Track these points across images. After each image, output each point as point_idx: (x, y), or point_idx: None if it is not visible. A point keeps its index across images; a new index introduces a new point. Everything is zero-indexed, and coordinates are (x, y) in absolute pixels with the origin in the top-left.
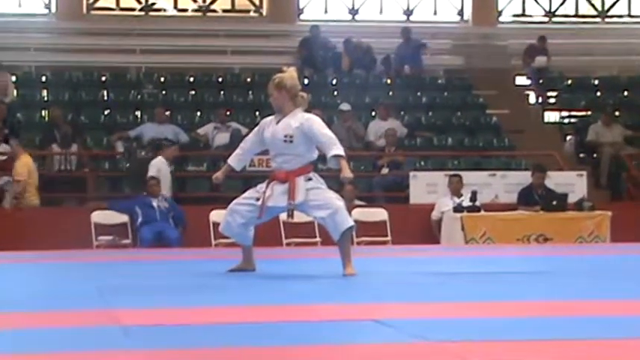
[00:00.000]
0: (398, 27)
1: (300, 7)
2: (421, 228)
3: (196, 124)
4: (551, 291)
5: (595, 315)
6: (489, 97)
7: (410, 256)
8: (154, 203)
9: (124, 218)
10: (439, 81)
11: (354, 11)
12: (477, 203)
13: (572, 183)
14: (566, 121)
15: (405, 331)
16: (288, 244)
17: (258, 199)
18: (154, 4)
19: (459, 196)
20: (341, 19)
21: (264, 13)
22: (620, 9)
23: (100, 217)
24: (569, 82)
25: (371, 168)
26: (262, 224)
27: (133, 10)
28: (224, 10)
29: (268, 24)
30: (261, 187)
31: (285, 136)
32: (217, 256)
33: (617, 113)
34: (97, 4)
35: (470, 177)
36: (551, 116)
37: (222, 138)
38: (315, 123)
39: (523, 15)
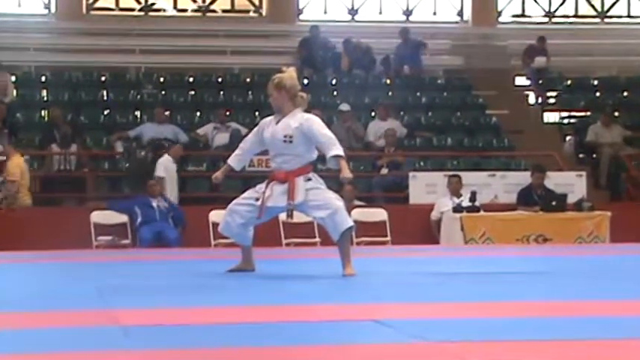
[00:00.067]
0: (397, 27)
1: (300, 7)
2: (421, 228)
3: (196, 125)
4: (551, 291)
5: (594, 315)
6: (489, 98)
7: (409, 256)
8: (154, 203)
9: (123, 218)
10: (439, 81)
11: (353, 11)
12: (477, 203)
13: (571, 183)
14: (565, 121)
15: (404, 331)
16: (287, 245)
17: (257, 200)
18: (153, 4)
19: (459, 196)
20: (340, 19)
21: (264, 13)
22: (620, 9)
23: (99, 217)
24: (569, 82)
25: (370, 168)
26: (262, 224)
27: (132, 10)
28: (224, 11)
29: (268, 24)
30: (261, 187)
31: (285, 137)
32: (217, 256)
33: (616, 114)
34: (97, 5)
35: (469, 177)
36: (550, 117)
37: (221, 138)
38: (315, 123)
39: (522, 15)
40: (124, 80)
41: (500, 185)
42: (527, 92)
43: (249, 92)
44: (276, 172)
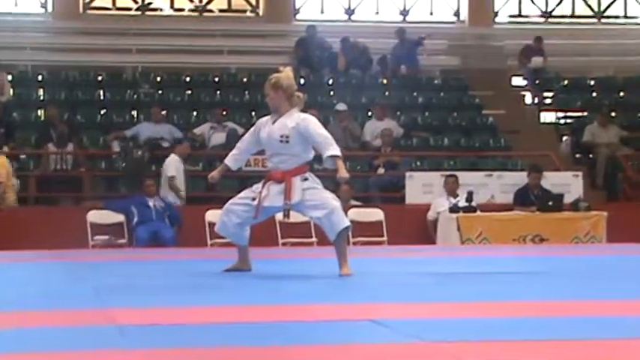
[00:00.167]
0: (394, 27)
1: (297, 7)
2: (417, 228)
3: (192, 124)
4: (547, 291)
5: (591, 315)
6: (485, 98)
7: (406, 256)
8: (150, 203)
9: (119, 218)
10: (435, 81)
11: (350, 11)
12: (473, 203)
13: (568, 183)
14: (562, 121)
15: (401, 331)
16: (284, 244)
17: (254, 199)
18: (150, 3)
19: (455, 196)
20: (337, 19)
21: (261, 13)
22: (616, 10)
23: (95, 216)
24: (566, 82)
25: (367, 168)
26: (258, 224)
27: (129, 9)
28: (220, 10)
29: (265, 24)
30: (257, 187)
31: (282, 136)
32: (213, 256)
33: (613, 114)
34: (94, 4)
35: (466, 177)
36: (547, 117)
37: (218, 138)
38: (311, 123)
39: (519, 15)
40: (120, 80)
41: (496, 185)
42: (523, 92)
43: (246, 92)
44: (273, 171)
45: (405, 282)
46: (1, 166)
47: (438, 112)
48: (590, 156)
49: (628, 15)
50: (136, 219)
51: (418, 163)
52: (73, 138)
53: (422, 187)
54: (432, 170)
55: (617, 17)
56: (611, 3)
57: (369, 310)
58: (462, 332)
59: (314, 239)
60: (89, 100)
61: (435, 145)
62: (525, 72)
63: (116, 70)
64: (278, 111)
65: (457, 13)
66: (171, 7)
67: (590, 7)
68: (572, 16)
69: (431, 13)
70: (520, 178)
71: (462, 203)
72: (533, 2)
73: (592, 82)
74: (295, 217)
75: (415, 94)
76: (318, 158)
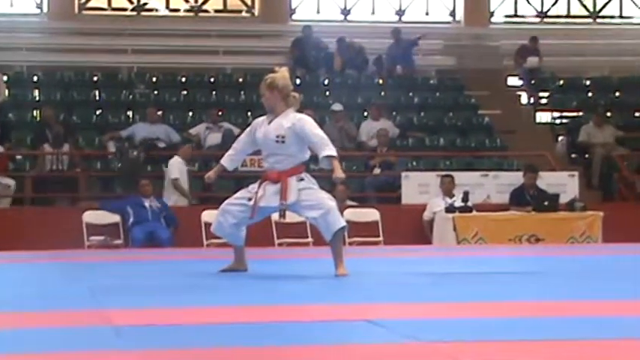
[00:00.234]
0: (390, 27)
1: (292, 7)
2: (413, 228)
3: (188, 124)
4: (543, 291)
5: (587, 315)
6: (481, 98)
7: (402, 256)
8: (146, 203)
9: (115, 218)
10: (431, 81)
11: (346, 11)
12: (469, 204)
13: (563, 183)
14: (557, 121)
15: (397, 331)
16: (280, 245)
17: (250, 199)
18: (145, 4)
19: (451, 196)
20: (333, 19)
21: (256, 13)
22: (612, 10)
23: (91, 217)
24: (561, 82)
25: (363, 168)
26: (254, 224)
27: (124, 10)
28: (216, 11)
29: (260, 24)
30: (253, 187)
31: (277, 137)
32: (209, 256)
33: (608, 114)
34: (89, 4)
35: (462, 177)
36: (542, 117)
37: (214, 138)
38: (307, 123)
39: (515, 15)
40: (116, 80)
41: (492, 185)
42: (519, 92)
43: (242, 92)
44: (269, 172)
45: (401, 282)
46: None
47: (433, 112)
48: (586, 156)
49: (623, 15)
50: (131, 219)
51: (414, 163)
52: (68, 138)
53: (418, 187)
54: (427, 170)
55: (612, 17)
56: (607, 3)
57: (365, 310)
58: (458, 332)
59: (310, 239)
60: (85, 100)
61: (430, 145)
62: (521, 72)
63: (112, 70)
64: (274, 111)
65: (453, 13)
66: (167, 7)
67: (585, 7)
68: (568, 16)
69: (426, 13)
70: (516, 178)
71: (458, 203)
72: (528, 2)
73: (587, 82)
74: (291, 217)
75: (411, 94)
76: (314, 158)
